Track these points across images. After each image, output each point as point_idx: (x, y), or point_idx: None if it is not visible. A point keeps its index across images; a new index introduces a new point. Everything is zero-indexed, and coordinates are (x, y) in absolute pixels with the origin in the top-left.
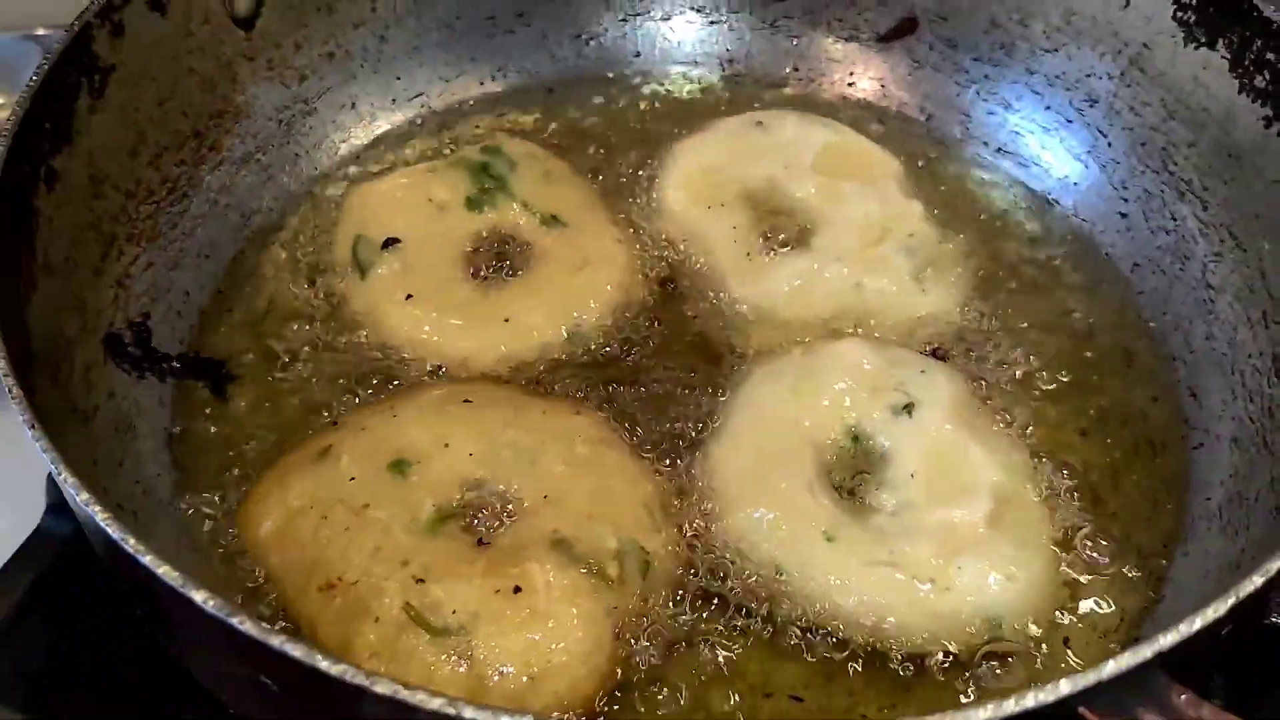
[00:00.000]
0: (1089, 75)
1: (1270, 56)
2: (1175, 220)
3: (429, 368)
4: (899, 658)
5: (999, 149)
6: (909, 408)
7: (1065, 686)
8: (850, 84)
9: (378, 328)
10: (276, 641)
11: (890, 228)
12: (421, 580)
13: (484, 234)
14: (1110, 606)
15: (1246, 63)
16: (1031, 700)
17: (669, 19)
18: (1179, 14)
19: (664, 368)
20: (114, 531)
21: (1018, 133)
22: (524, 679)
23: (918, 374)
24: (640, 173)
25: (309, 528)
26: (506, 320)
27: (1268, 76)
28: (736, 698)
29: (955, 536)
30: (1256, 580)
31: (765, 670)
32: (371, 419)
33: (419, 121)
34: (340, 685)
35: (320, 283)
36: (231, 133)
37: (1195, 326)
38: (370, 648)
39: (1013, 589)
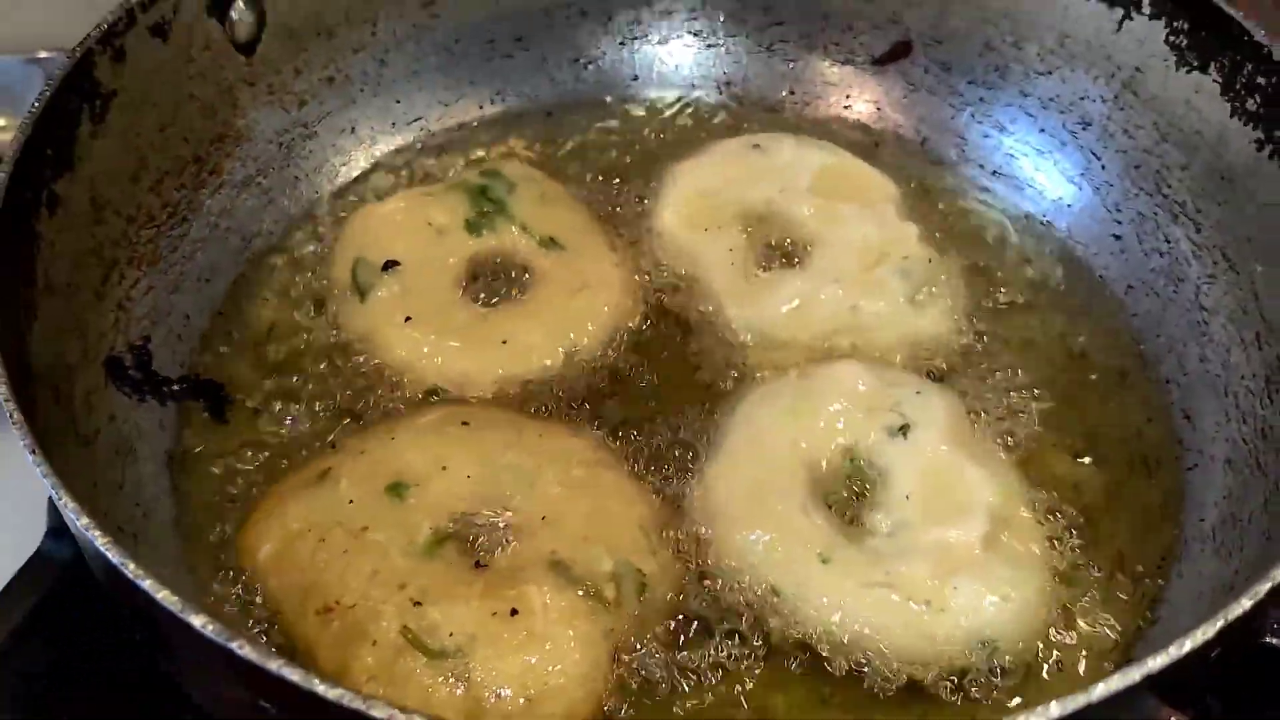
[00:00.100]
0: (1083, 98)
1: (1261, 80)
2: (1169, 242)
3: (427, 389)
4: (895, 679)
5: (994, 171)
6: (905, 429)
7: (1055, 709)
8: (846, 107)
9: (377, 350)
10: (274, 665)
11: (886, 250)
12: (419, 603)
13: (483, 257)
14: (1105, 628)
15: (1238, 86)
16: None
17: (666, 43)
18: (1171, 38)
19: (661, 389)
20: (113, 555)
21: (1012, 155)
22: (521, 701)
23: (913, 395)
24: (638, 195)
25: (307, 551)
26: (505, 342)
27: (1259, 100)
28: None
29: (950, 557)
30: (1245, 603)
31: (762, 692)
32: (370, 442)
33: (419, 145)
34: (338, 709)
35: (320, 306)
36: (232, 157)
37: (1189, 348)
38: (368, 670)
39: (1008, 610)
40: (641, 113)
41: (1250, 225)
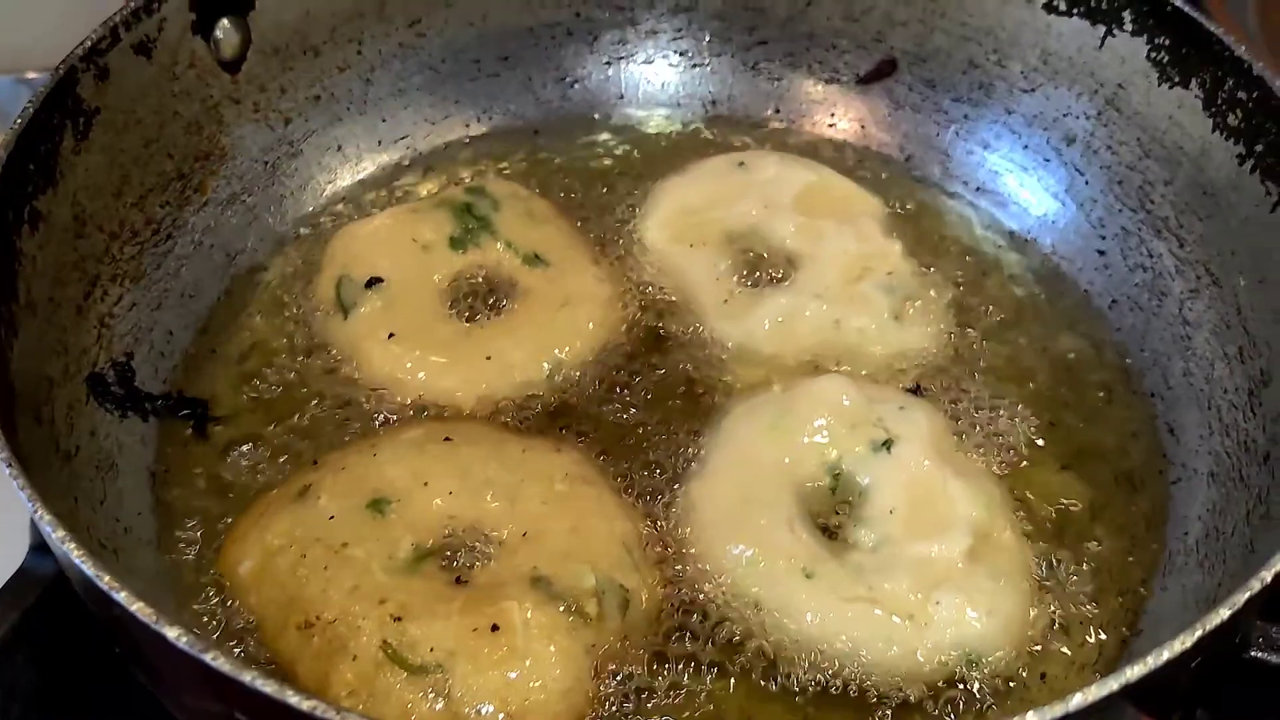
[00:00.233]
0: (1066, 115)
1: (1242, 95)
2: (1152, 257)
3: (410, 405)
4: (877, 693)
5: (978, 188)
6: (888, 444)
7: (1033, 718)
8: (831, 125)
9: (360, 366)
10: (248, 677)
11: (870, 266)
12: (399, 618)
13: (467, 273)
14: (1089, 641)
15: (1220, 101)
16: None
17: (652, 62)
18: (1153, 54)
19: (645, 405)
20: (88, 568)
21: (996, 172)
22: (501, 717)
23: (897, 410)
24: (623, 212)
25: (287, 566)
26: (488, 358)
27: (1240, 115)
28: None
29: (934, 572)
30: (1223, 613)
31: (745, 707)
32: (351, 458)
33: (405, 163)
34: None
35: (304, 323)
36: (217, 174)
37: (1173, 362)
38: (348, 686)
39: (991, 624)
40: (627, 131)
41: (1233, 239)
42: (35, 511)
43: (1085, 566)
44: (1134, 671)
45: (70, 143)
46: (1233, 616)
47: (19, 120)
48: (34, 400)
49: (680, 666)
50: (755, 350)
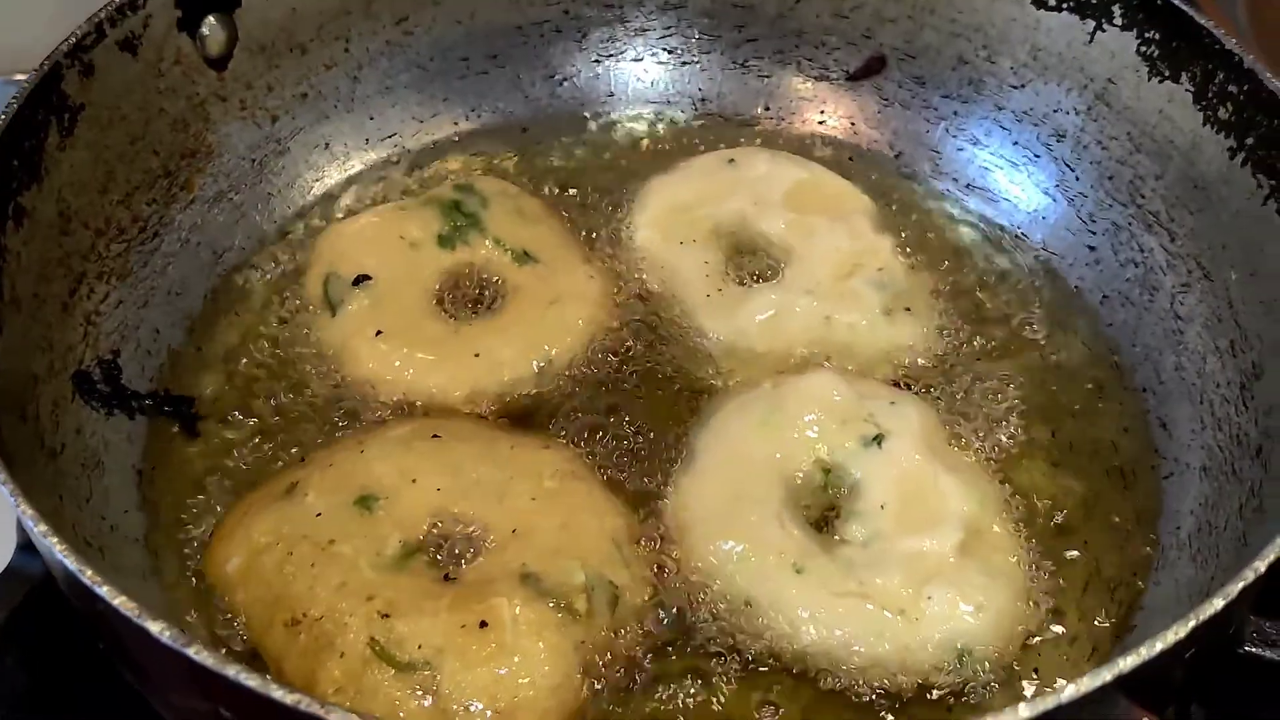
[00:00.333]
0: (1056, 110)
1: (1232, 89)
2: (1143, 252)
3: (398, 403)
4: (869, 688)
5: (968, 184)
6: (879, 439)
7: (1024, 710)
8: (821, 122)
9: (347, 364)
10: (232, 672)
11: (860, 262)
12: (386, 615)
13: (456, 271)
14: (1082, 635)
15: (1210, 95)
16: None
17: (641, 60)
18: (1143, 49)
19: (635, 401)
20: (71, 563)
21: (986, 168)
22: (490, 714)
23: (887, 405)
24: (613, 210)
25: (274, 564)
26: (477, 355)
27: (1230, 108)
28: None
29: (925, 566)
30: (1217, 603)
31: (735, 702)
32: (339, 455)
33: (393, 161)
34: (296, 715)
35: (291, 320)
36: (203, 172)
37: (1164, 357)
38: (335, 683)
39: (983, 618)
40: (616, 128)
41: (1224, 233)
42: (19, 508)
43: (1078, 560)
44: (1128, 662)
45: (55, 139)
46: (1227, 607)
47: (3, 115)
48: (19, 397)
49: (669, 662)
50: (746, 347)
